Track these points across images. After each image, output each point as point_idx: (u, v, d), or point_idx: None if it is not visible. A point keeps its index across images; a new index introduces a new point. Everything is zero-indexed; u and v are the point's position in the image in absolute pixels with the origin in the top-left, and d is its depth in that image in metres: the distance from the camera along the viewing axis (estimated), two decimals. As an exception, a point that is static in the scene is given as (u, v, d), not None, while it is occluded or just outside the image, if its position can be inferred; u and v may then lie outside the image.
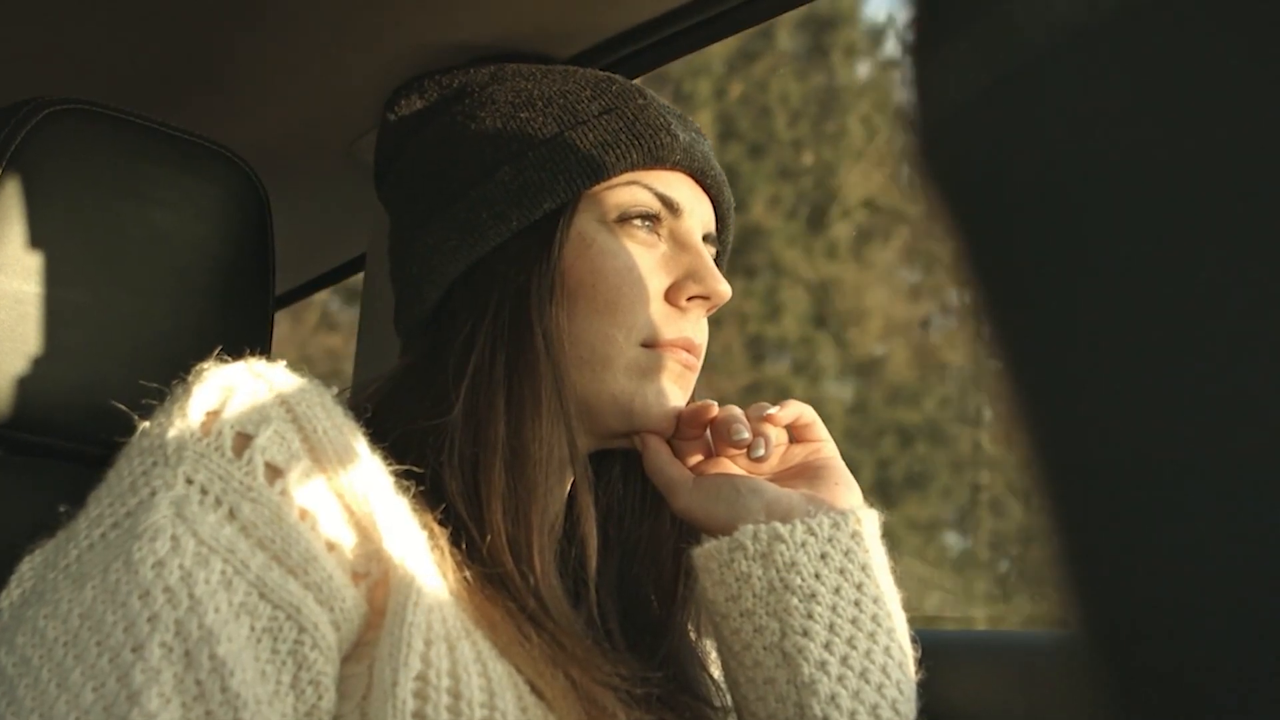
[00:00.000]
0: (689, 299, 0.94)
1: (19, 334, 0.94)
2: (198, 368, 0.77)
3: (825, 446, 0.95)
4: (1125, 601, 0.26)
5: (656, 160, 0.95)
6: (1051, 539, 0.28)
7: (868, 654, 0.83)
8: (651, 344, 0.93)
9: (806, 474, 0.92)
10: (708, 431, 0.95)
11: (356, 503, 0.74)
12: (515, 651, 0.76)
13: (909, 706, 0.85)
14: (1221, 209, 0.23)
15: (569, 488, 0.94)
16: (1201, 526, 0.24)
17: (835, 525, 0.86)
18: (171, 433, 0.72)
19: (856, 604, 0.84)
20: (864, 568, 0.86)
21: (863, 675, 0.82)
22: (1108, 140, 0.25)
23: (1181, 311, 0.24)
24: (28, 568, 0.71)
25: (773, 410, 0.93)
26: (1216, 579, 0.24)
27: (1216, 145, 0.23)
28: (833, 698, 0.81)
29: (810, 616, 0.83)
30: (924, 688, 0.88)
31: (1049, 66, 0.25)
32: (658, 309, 0.93)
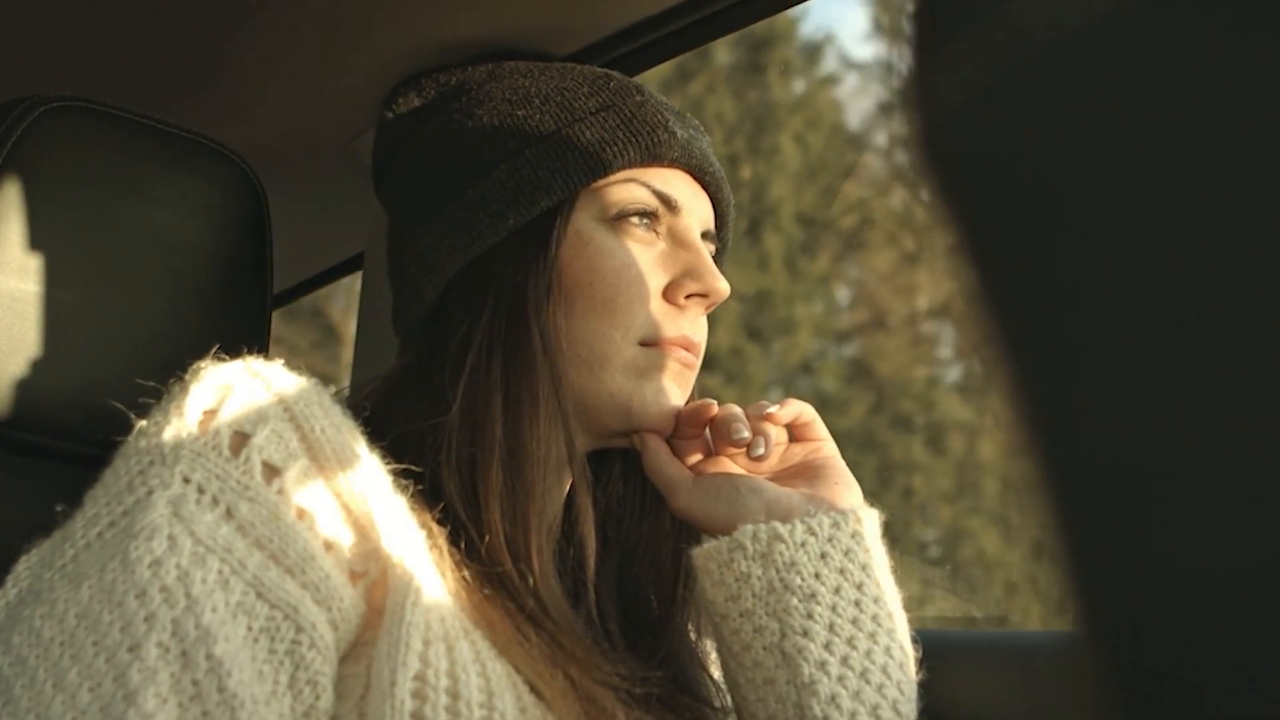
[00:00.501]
0: (687, 297, 0.94)
1: (15, 333, 0.94)
2: (195, 366, 0.77)
3: (825, 446, 0.94)
4: (1126, 602, 0.26)
5: (654, 157, 0.94)
6: (1052, 538, 0.28)
7: (868, 654, 0.83)
8: (650, 342, 0.92)
9: (806, 473, 0.92)
10: (707, 430, 0.95)
11: (354, 502, 0.74)
12: (514, 651, 0.76)
13: (910, 707, 0.84)
14: (1222, 208, 0.23)
15: (567, 488, 0.94)
16: (1203, 526, 0.24)
17: (835, 525, 0.85)
18: (168, 432, 0.72)
19: (857, 604, 0.84)
20: (864, 567, 0.85)
21: (863, 675, 0.82)
22: (1107, 139, 0.25)
23: (1182, 310, 0.24)
24: (24, 568, 0.71)
25: (773, 409, 0.93)
26: (1218, 579, 0.24)
27: (1217, 144, 0.23)
28: (833, 698, 0.80)
29: (810, 617, 0.82)
30: (925, 688, 0.87)
31: (1049, 66, 0.25)
32: (656, 307, 0.93)
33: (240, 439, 0.72)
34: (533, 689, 0.75)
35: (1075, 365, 0.26)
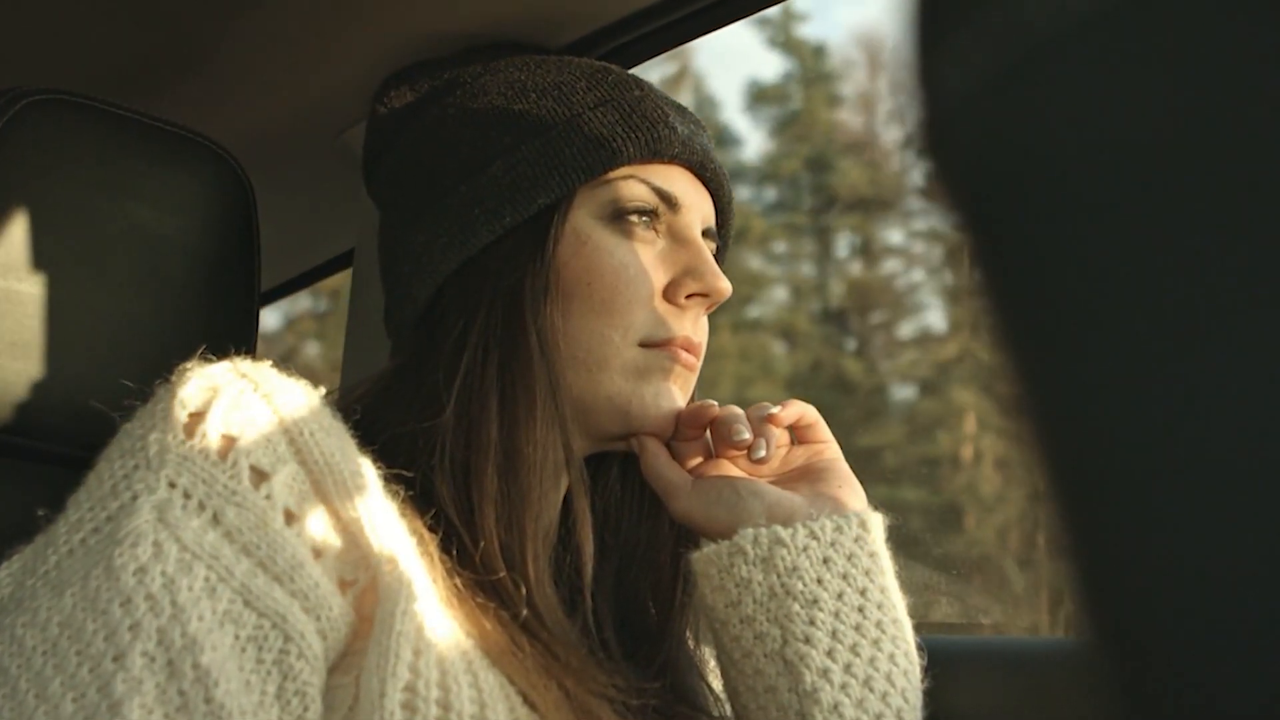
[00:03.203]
0: (688, 296, 0.92)
1: (-6, 332, 0.92)
2: (181, 367, 0.76)
3: (828, 448, 0.93)
4: (1132, 607, 0.25)
5: (654, 154, 0.93)
6: (1060, 542, 0.27)
7: (872, 661, 0.81)
8: (649, 343, 0.91)
9: (809, 476, 0.91)
10: (707, 432, 0.93)
11: (344, 507, 0.73)
12: (507, 661, 0.75)
13: (914, 715, 0.83)
14: (1235, 201, 0.23)
15: (564, 492, 0.93)
16: (1211, 531, 0.23)
17: (838, 529, 0.84)
18: (154, 435, 0.71)
19: (860, 610, 0.83)
20: (867, 572, 0.84)
21: (867, 683, 0.81)
22: (1115, 130, 0.24)
23: (1192, 306, 0.23)
24: (5, 574, 0.70)
25: (774, 410, 0.91)
26: (1225, 584, 0.23)
27: (1228, 135, 0.22)
28: (836, 706, 0.79)
29: (812, 623, 0.81)
30: (930, 696, 0.86)
31: (1055, 55, 0.25)
32: (656, 307, 0.91)
33: (228, 442, 0.71)
34: (526, 700, 0.74)
35: (1083, 360, 0.26)
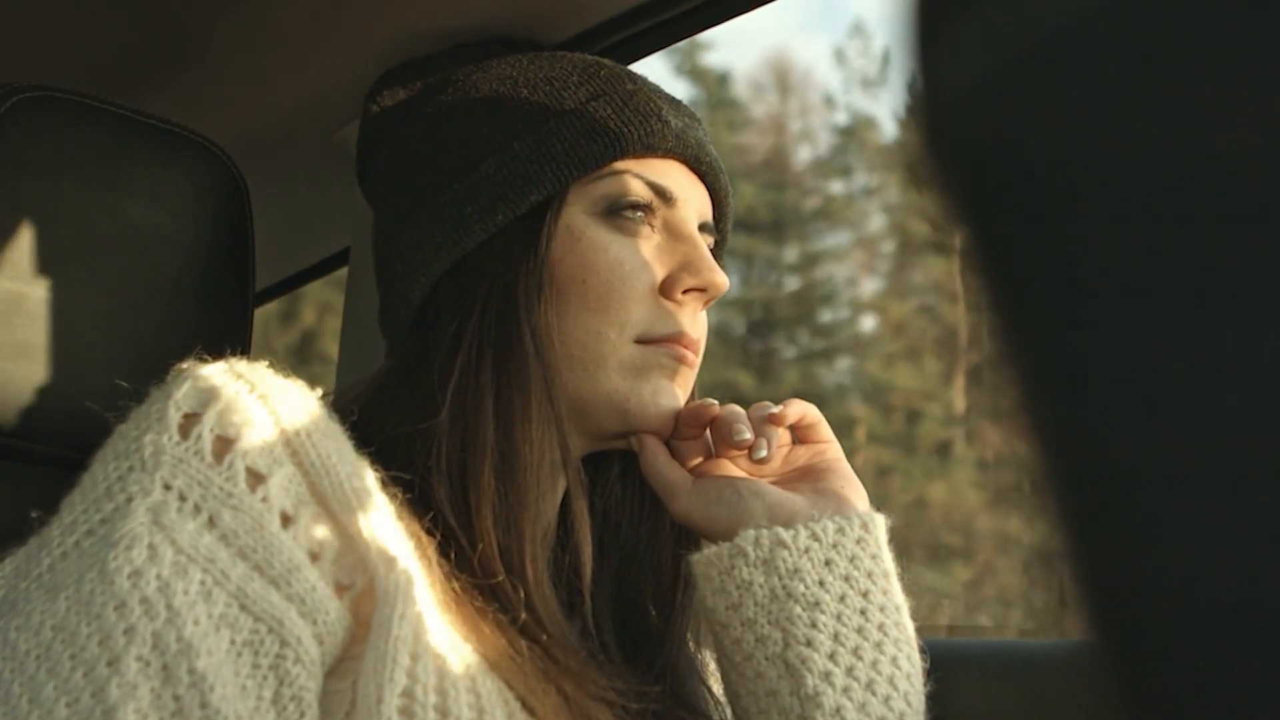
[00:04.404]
0: (685, 292, 0.91)
1: (-14, 332, 0.92)
2: (176, 368, 0.75)
3: (830, 448, 0.92)
4: (1135, 610, 0.25)
5: (648, 148, 0.92)
6: (1060, 545, 0.27)
7: (874, 665, 0.81)
8: (646, 340, 0.90)
9: (810, 476, 0.90)
10: (708, 431, 0.92)
11: (341, 510, 0.72)
12: (506, 666, 0.74)
13: (917, 719, 0.83)
14: (1238, 199, 0.22)
15: (562, 493, 0.92)
16: (1215, 534, 0.23)
17: (840, 530, 0.83)
18: (149, 436, 0.70)
19: (862, 612, 0.82)
20: (870, 575, 0.83)
21: (869, 687, 0.80)
22: (1119, 125, 0.24)
23: (1195, 304, 0.23)
24: None
25: (776, 409, 0.91)
26: (1229, 589, 0.23)
27: (1232, 131, 0.22)
28: (838, 710, 0.79)
29: (814, 626, 0.80)
30: (933, 700, 0.85)
31: (1057, 48, 0.24)
32: (652, 303, 0.90)
33: (223, 444, 0.70)
34: (525, 705, 0.73)
35: (1082, 358, 0.25)
